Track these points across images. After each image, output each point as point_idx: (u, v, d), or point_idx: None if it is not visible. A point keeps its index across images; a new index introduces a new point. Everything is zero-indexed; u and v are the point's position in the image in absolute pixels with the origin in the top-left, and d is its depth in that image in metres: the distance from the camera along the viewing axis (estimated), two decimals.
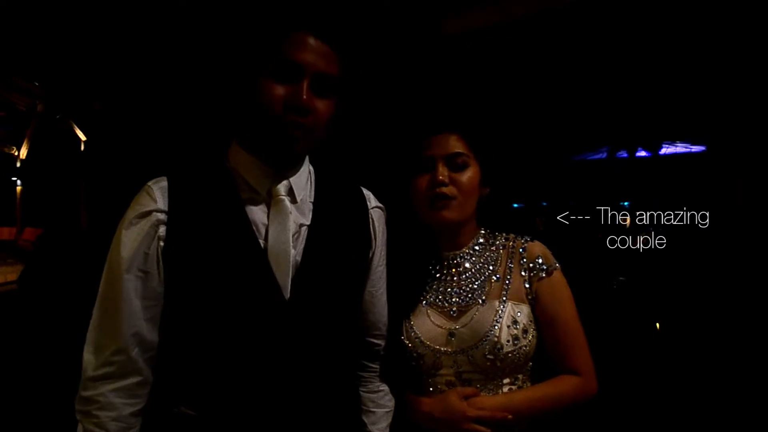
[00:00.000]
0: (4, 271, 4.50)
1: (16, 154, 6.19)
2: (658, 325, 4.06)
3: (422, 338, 1.19)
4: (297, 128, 0.97)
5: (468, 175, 1.21)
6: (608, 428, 1.95)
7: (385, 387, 1.23)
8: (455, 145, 1.21)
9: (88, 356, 0.96)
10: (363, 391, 1.22)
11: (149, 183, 1.01)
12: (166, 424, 1.01)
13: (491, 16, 3.91)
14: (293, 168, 1.07)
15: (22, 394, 2.55)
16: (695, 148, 6.74)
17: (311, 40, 0.98)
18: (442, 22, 3.99)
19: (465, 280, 1.24)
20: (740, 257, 4.32)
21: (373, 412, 1.20)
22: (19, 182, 6.32)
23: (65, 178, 6.02)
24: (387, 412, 1.21)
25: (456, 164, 1.21)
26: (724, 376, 2.97)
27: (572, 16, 3.84)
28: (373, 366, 1.23)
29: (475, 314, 1.18)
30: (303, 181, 1.09)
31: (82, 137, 5.98)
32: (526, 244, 1.25)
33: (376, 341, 1.22)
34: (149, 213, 0.97)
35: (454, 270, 1.26)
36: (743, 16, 3.63)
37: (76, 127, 5.92)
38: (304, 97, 0.96)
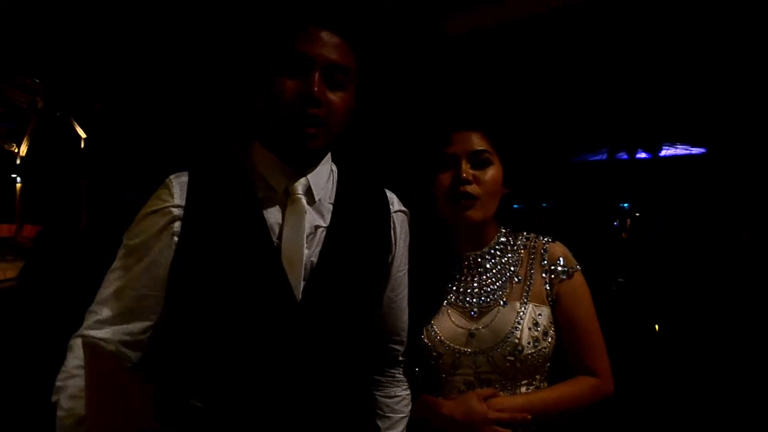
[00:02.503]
0: (3, 268, 4.49)
1: (16, 151, 6.19)
2: (657, 326, 4.06)
3: (442, 338, 1.19)
4: (311, 123, 0.96)
5: (491, 173, 1.20)
6: (607, 429, 1.94)
7: (402, 393, 1.21)
8: (479, 143, 1.20)
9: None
10: (379, 396, 1.20)
11: (171, 177, 1.02)
12: (176, 416, 1.01)
13: (495, 17, 3.91)
14: (312, 166, 1.05)
15: (21, 390, 2.54)
16: (695, 150, 6.74)
17: (322, 33, 0.97)
18: (445, 21, 4.00)
19: (486, 281, 1.24)
20: (740, 258, 4.32)
21: (389, 417, 1.18)
22: (18, 179, 6.32)
23: (65, 176, 6.02)
24: (402, 417, 1.19)
25: (479, 162, 1.20)
26: (724, 377, 2.97)
27: (572, 17, 3.84)
28: (391, 371, 1.21)
29: (496, 315, 1.18)
30: (323, 180, 1.07)
31: (83, 135, 5.98)
32: (547, 245, 1.25)
33: (394, 346, 1.20)
34: (166, 208, 0.98)
35: (474, 270, 1.26)
36: (743, 17, 3.63)
37: (76, 124, 5.91)
38: (316, 88, 0.95)
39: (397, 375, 1.22)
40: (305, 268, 0.99)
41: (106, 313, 0.97)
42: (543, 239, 1.27)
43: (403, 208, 1.19)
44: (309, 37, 0.96)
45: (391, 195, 1.18)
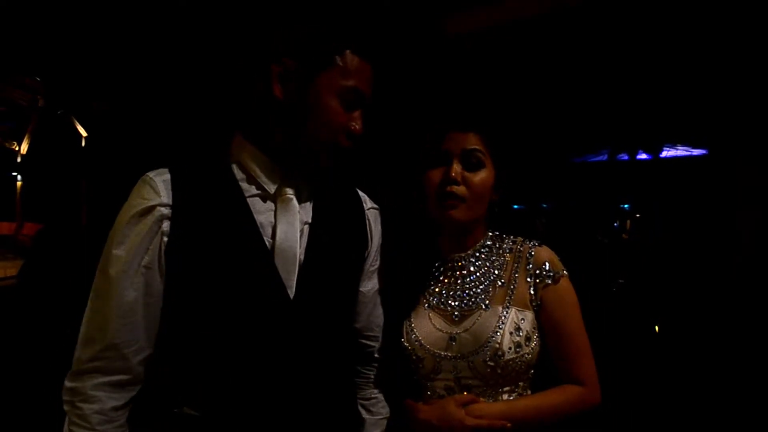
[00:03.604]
0: (3, 266, 4.50)
1: (17, 149, 6.20)
2: (657, 327, 4.06)
3: (422, 341, 1.17)
4: (346, 153, 1.02)
5: (481, 176, 1.18)
6: (607, 428, 1.94)
7: (379, 395, 1.21)
8: (473, 142, 1.19)
9: (78, 348, 0.94)
10: (356, 398, 1.20)
11: (150, 174, 0.97)
12: (168, 426, 1.00)
13: (496, 17, 3.91)
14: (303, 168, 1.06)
15: (21, 388, 2.55)
16: (696, 151, 6.75)
17: (368, 69, 1.02)
18: (445, 21, 4.00)
19: (469, 284, 1.21)
20: (740, 258, 4.32)
21: (366, 419, 1.18)
22: (19, 177, 6.33)
23: (65, 174, 6.03)
24: (380, 419, 1.19)
25: (471, 162, 1.17)
26: (724, 377, 2.97)
27: (574, 19, 3.84)
28: (366, 371, 1.21)
29: (477, 319, 1.15)
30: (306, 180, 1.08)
31: (83, 133, 5.99)
32: (533, 249, 1.21)
33: (368, 342, 1.20)
34: (153, 208, 0.93)
35: (458, 273, 1.23)
36: (743, 18, 3.63)
37: (77, 123, 5.92)
38: (362, 126, 1.01)
39: (372, 376, 1.21)
40: (297, 266, 0.99)
41: (122, 336, 0.92)
42: (529, 243, 1.24)
43: (375, 206, 1.20)
44: (360, 71, 1.03)
45: (362, 194, 1.19)
